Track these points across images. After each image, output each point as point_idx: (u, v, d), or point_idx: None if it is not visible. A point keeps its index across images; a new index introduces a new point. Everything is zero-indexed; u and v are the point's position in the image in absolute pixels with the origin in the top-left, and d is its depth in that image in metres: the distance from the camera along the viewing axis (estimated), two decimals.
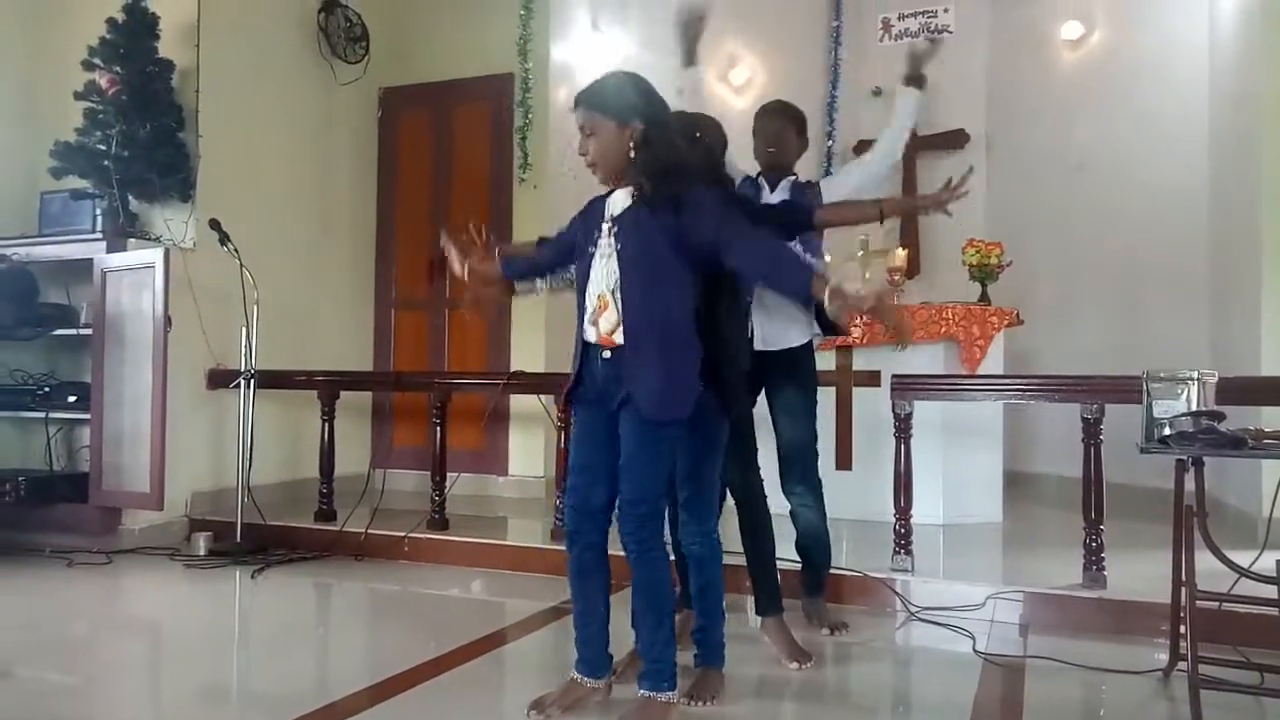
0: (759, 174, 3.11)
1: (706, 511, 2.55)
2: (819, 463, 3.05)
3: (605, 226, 2.28)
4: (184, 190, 4.58)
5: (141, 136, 4.39)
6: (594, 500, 2.30)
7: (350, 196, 5.89)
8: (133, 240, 4.38)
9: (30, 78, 4.94)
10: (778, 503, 2.93)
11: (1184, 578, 2.42)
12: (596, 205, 2.36)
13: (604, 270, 2.25)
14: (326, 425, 4.65)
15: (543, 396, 4.40)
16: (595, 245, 2.28)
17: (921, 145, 6.51)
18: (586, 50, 6.17)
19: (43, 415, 4.48)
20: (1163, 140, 5.33)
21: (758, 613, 2.86)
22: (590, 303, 2.28)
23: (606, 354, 2.25)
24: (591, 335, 2.28)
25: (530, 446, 5.59)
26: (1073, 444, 3.43)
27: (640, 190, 2.23)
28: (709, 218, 2.20)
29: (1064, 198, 5.90)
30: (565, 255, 2.43)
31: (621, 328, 2.21)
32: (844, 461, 4.10)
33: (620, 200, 2.29)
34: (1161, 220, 5.30)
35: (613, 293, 2.23)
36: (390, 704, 2.43)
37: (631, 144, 2.22)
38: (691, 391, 2.23)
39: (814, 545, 3.08)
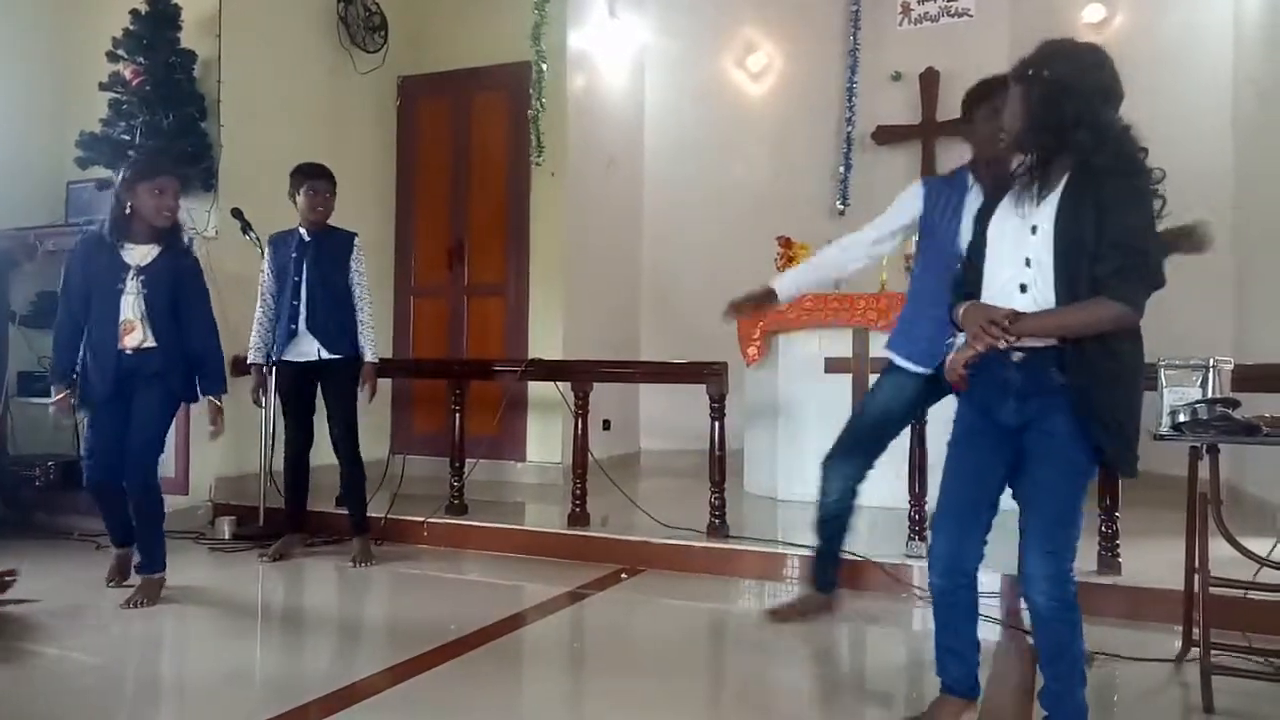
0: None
1: None
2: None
3: None
4: (206, 180, 4.64)
5: (164, 127, 4.45)
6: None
7: (369, 184, 5.93)
8: None
9: (57, 70, 5.01)
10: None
11: (1197, 565, 2.43)
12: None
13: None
14: None
15: (559, 384, 4.42)
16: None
17: (939, 130, 6.46)
18: (603, 38, 6.18)
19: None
20: (1185, 126, 5.24)
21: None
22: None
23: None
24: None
25: (548, 433, 5.63)
26: None
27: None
28: None
29: None
30: None
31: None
32: None
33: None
34: (1183, 206, 5.15)
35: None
36: (409, 685, 2.48)
37: None
38: None
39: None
